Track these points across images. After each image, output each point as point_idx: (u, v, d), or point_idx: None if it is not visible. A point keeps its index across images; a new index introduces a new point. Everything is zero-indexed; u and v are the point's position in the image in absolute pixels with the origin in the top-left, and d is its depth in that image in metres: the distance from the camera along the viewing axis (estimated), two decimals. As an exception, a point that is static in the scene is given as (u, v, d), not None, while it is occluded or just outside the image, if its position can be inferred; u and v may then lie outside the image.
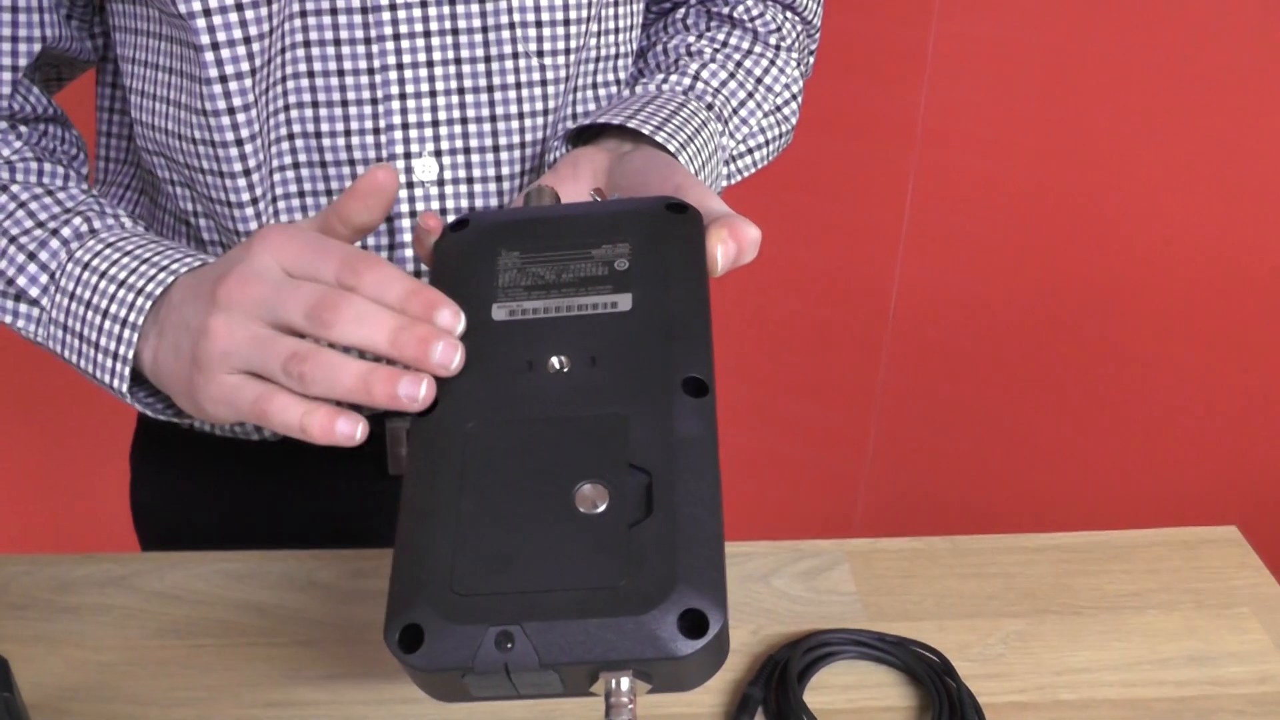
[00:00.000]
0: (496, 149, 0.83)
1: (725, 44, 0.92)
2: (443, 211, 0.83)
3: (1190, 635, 0.81)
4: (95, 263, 0.72)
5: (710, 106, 0.87)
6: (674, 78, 0.87)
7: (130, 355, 0.69)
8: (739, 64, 0.90)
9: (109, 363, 0.70)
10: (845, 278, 1.71)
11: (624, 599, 0.47)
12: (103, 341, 0.70)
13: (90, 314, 0.71)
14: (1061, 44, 1.54)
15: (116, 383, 0.70)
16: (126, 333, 0.69)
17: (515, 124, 0.83)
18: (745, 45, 0.92)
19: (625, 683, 0.48)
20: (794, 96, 0.93)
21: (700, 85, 0.88)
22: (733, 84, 0.89)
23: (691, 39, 0.92)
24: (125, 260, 0.71)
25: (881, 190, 1.66)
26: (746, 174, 0.91)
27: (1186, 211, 1.63)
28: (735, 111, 0.89)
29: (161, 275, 0.69)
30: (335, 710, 0.75)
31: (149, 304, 0.68)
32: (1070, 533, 0.90)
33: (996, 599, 0.84)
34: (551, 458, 0.52)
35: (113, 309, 0.70)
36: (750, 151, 0.90)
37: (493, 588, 0.48)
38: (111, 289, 0.70)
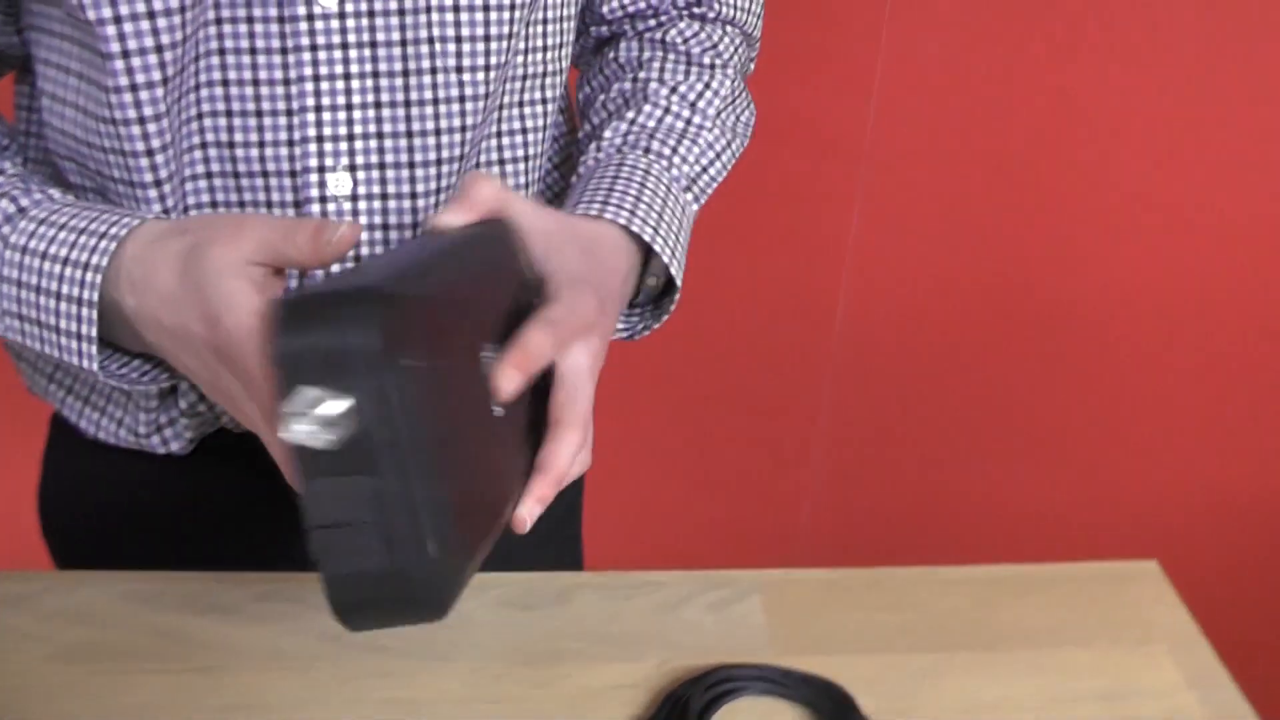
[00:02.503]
0: (412, 165, 0.81)
1: (660, 78, 0.91)
2: (356, 228, 0.82)
3: (1104, 671, 0.81)
4: (32, 244, 0.71)
5: (648, 150, 0.87)
6: (606, 141, 0.88)
7: (94, 333, 0.69)
8: (672, 91, 0.90)
9: (74, 344, 0.70)
10: (789, 290, 1.70)
11: None
12: (62, 324, 0.70)
13: (42, 298, 0.70)
14: (1011, 58, 1.54)
15: (86, 363, 0.70)
16: (85, 311, 0.69)
17: (432, 140, 0.81)
18: (679, 75, 0.92)
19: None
20: (730, 104, 0.92)
21: (633, 135, 0.88)
22: (668, 119, 0.89)
23: (626, 84, 0.92)
24: (63, 235, 0.71)
25: (829, 202, 1.65)
26: (713, 188, 0.91)
27: (1137, 229, 1.63)
28: (679, 142, 0.89)
29: (104, 244, 0.69)
30: (228, 741, 0.73)
31: (99, 277, 0.68)
32: (990, 565, 0.89)
33: (909, 633, 0.83)
34: None
35: (64, 289, 0.69)
36: (706, 169, 0.90)
37: None
38: (57, 269, 0.70)
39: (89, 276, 0.68)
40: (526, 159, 0.88)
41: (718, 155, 0.91)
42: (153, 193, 0.77)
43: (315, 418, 0.49)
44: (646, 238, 0.80)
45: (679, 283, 0.83)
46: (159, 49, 0.72)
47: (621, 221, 0.79)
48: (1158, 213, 1.62)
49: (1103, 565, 0.90)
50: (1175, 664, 0.81)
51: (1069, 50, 1.52)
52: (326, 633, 0.81)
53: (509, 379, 0.62)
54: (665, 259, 0.81)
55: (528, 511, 0.64)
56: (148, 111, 0.74)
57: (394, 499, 0.50)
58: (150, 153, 0.76)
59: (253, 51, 0.76)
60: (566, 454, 0.66)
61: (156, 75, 0.73)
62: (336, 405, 0.49)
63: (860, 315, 1.71)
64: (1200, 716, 0.77)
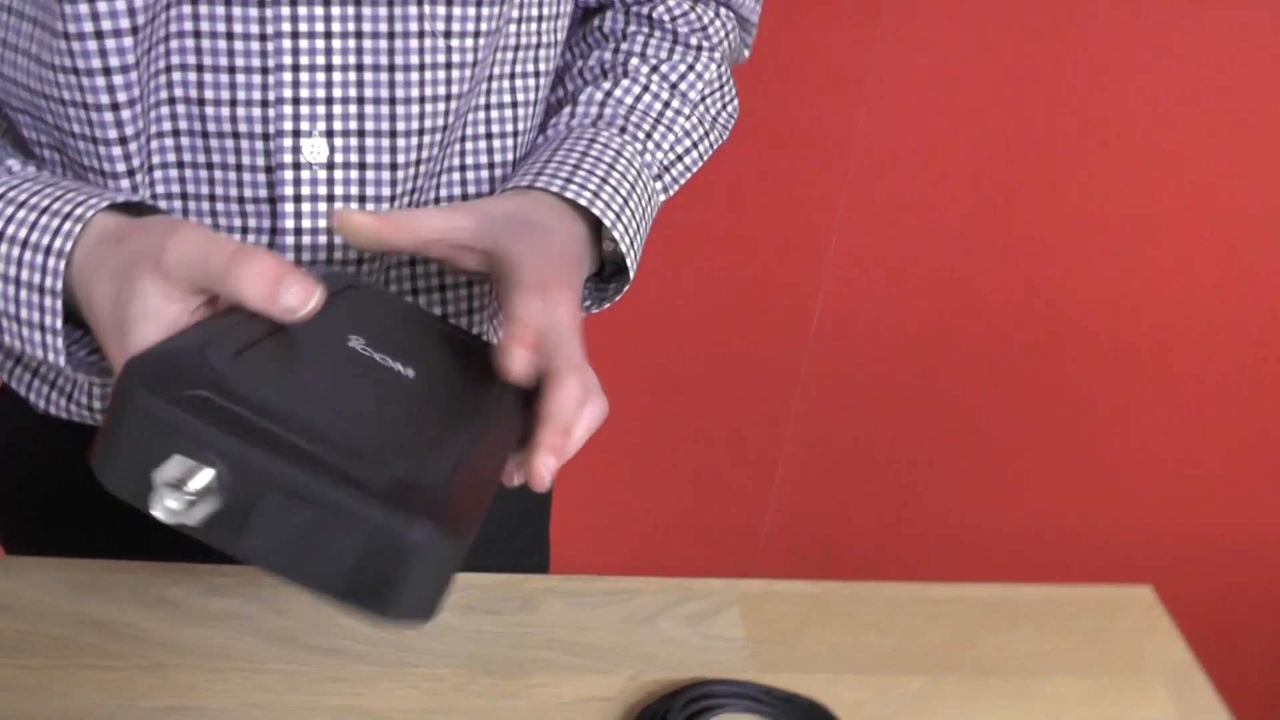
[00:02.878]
0: (393, 134, 0.76)
1: (642, 54, 0.87)
2: (330, 199, 0.77)
3: (1097, 702, 0.77)
4: None
5: (623, 130, 0.82)
6: (581, 109, 0.84)
7: (58, 324, 0.64)
8: (654, 69, 0.86)
9: (36, 335, 0.65)
10: (766, 294, 1.66)
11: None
12: (23, 314, 0.65)
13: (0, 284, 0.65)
14: (1006, 70, 1.50)
15: (51, 356, 0.65)
16: (48, 300, 0.63)
17: (415, 108, 0.76)
18: (663, 54, 0.87)
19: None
20: (714, 91, 0.88)
21: (609, 109, 0.84)
22: (646, 97, 0.85)
23: (607, 54, 0.87)
24: (22, 214, 0.65)
25: (811, 207, 1.61)
26: (684, 180, 0.87)
27: (1133, 234, 1.60)
28: (655, 123, 0.84)
29: (68, 225, 0.64)
30: (169, 746, 0.68)
31: (62, 263, 0.63)
32: (980, 584, 0.85)
33: (896, 654, 0.79)
34: None
35: (24, 275, 0.64)
36: (681, 157, 0.86)
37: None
38: (15, 252, 0.64)
39: (51, 262, 0.63)
40: (515, 134, 0.84)
41: (694, 144, 0.87)
42: (117, 150, 0.72)
43: (186, 495, 0.46)
44: (607, 222, 0.76)
45: (632, 274, 0.79)
46: None
47: (583, 202, 0.75)
48: (1154, 218, 1.59)
49: (1095, 589, 0.86)
50: (1170, 695, 0.78)
51: (1063, 51, 1.49)
52: (278, 633, 0.76)
53: (517, 357, 0.59)
54: (623, 247, 0.77)
55: (541, 463, 0.59)
56: (114, 62, 0.69)
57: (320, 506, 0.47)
58: (116, 106, 0.70)
59: (228, 2, 0.71)
60: (570, 399, 0.61)
61: (125, 23, 0.68)
62: (201, 478, 0.47)
63: (838, 319, 1.67)
64: (1199, 753, 0.74)
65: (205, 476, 0.46)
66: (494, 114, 0.82)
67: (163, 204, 0.77)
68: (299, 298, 0.57)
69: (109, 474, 0.48)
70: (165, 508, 0.46)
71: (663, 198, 0.85)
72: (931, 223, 1.60)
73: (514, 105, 0.83)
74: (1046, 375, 1.69)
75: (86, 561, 0.80)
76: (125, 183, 0.74)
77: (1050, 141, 1.54)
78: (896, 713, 0.74)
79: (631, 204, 0.78)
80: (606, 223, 0.75)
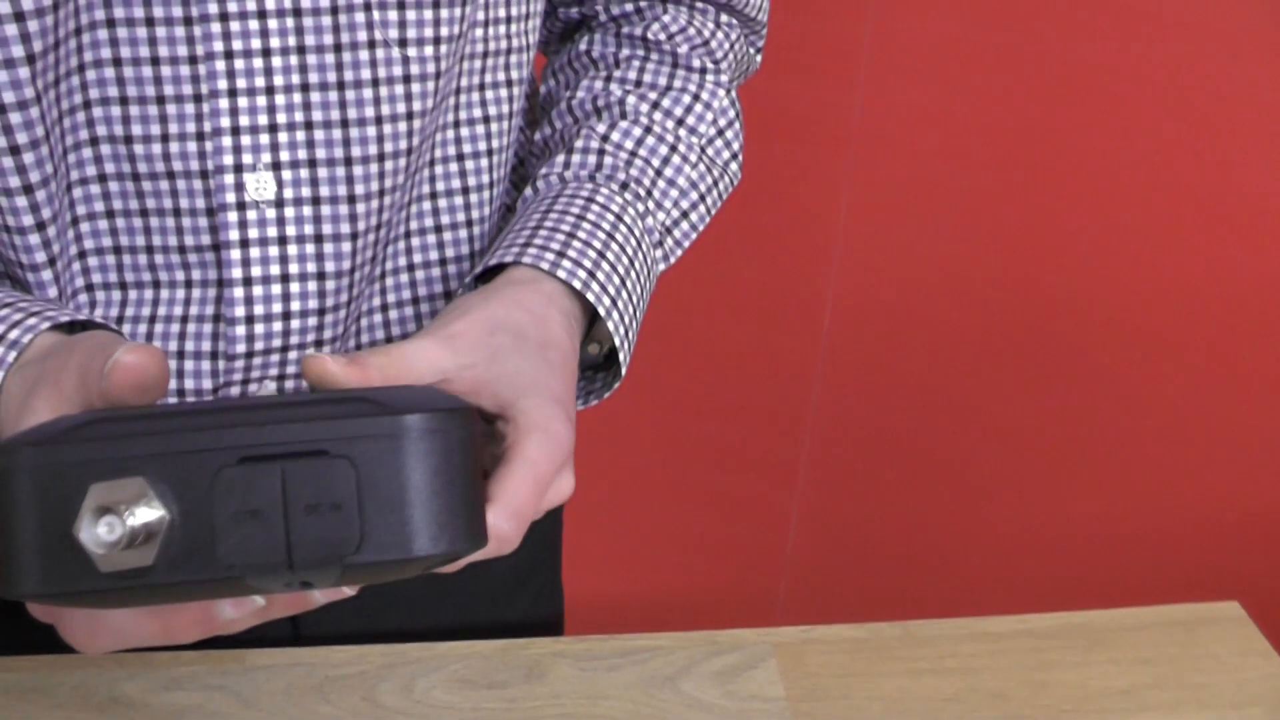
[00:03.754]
0: (349, 162, 0.66)
1: (638, 83, 0.76)
2: (281, 240, 0.67)
3: (1192, 742, 0.67)
4: None
5: (625, 185, 0.72)
6: (577, 158, 0.73)
7: None
8: (655, 105, 0.75)
9: None
10: (772, 293, 1.56)
11: None
12: None
13: None
14: (1006, 42, 1.41)
15: None
16: None
17: (372, 130, 0.66)
18: (662, 80, 0.76)
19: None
20: (728, 126, 0.77)
21: (609, 158, 0.72)
22: (650, 140, 0.74)
23: (598, 85, 0.76)
24: None
25: (813, 197, 1.51)
26: (688, 242, 0.76)
27: (1151, 221, 1.50)
28: (658, 175, 0.73)
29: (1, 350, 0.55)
30: None
31: None
32: (1043, 614, 0.75)
33: (958, 702, 0.69)
34: None
35: None
36: (686, 214, 0.75)
37: None
38: None
39: None
40: (490, 153, 0.73)
41: (700, 198, 0.76)
42: (21, 201, 0.62)
43: (122, 527, 0.38)
44: (601, 311, 0.64)
45: (624, 371, 0.67)
46: (19, 16, 0.57)
47: (577, 285, 0.64)
48: (1171, 206, 1.49)
49: (1175, 610, 0.76)
50: (1276, 728, 0.68)
51: (1063, 37, 1.40)
52: (248, 728, 0.66)
53: (506, 542, 0.50)
54: (617, 340, 0.65)
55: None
56: (9, 98, 0.59)
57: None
58: (16, 150, 0.61)
59: (150, 22, 0.61)
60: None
61: (19, 51, 0.58)
62: (128, 490, 0.38)
63: (850, 317, 1.57)
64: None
65: (133, 486, 0.38)
66: (464, 131, 0.72)
67: (92, 260, 0.67)
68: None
69: (24, 575, 0.39)
70: (107, 559, 0.38)
71: (661, 268, 0.75)
72: (939, 204, 1.51)
73: (486, 120, 0.73)
74: (1085, 359, 1.58)
75: (28, 659, 0.70)
76: (35, 238, 0.64)
77: (1057, 120, 1.45)
78: (966, 774, 0.64)
79: (629, 284, 0.67)
80: (600, 311, 0.64)
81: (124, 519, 0.37)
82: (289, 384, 0.69)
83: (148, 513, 0.38)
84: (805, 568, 1.73)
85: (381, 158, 0.67)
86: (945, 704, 0.69)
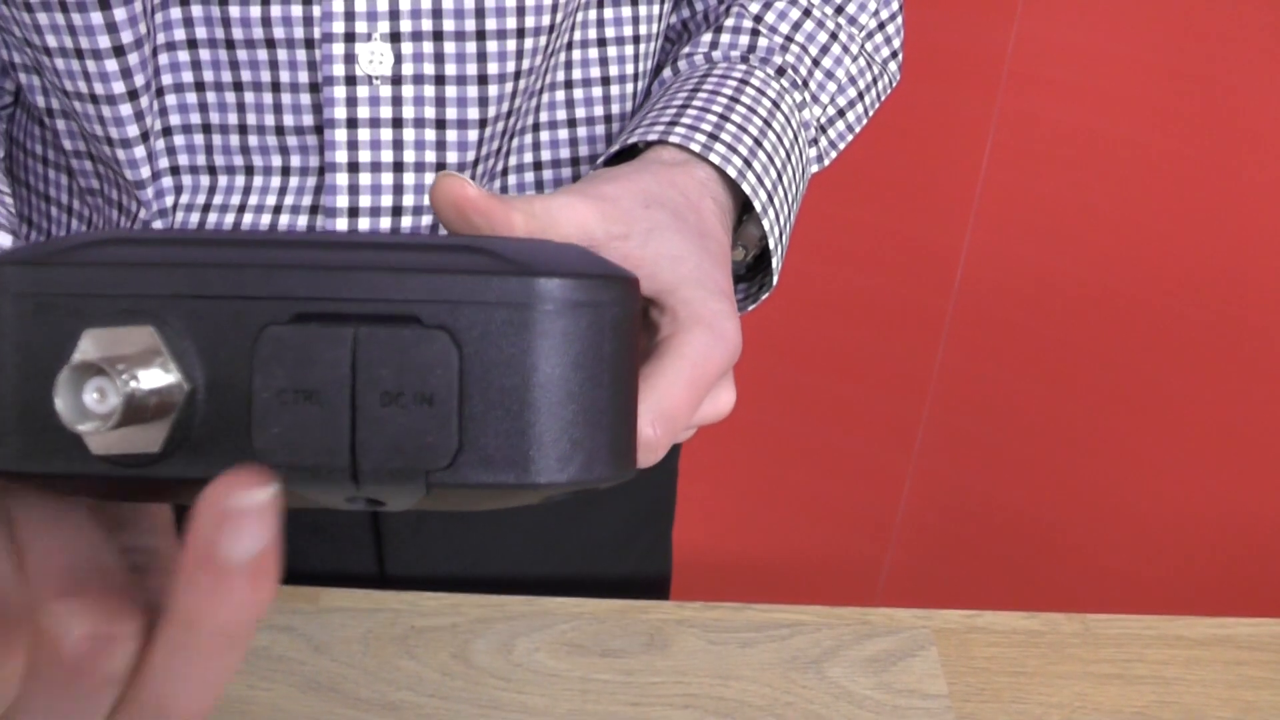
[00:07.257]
0: (481, 36, 0.56)
1: None
2: (397, 123, 0.57)
3: None
4: None
5: (781, 71, 0.61)
6: (727, 37, 0.62)
7: None
8: None
9: None
10: (903, 243, 1.46)
11: None
12: None
13: None
14: (1171, 24, 1.29)
15: None
16: None
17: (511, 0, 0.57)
18: None
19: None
20: (890, 19, 0.67)
21: (763, 39, 0.62)
22: (808, 24, 0.63)
23: None
24: None
25: (956, 143, 1.40)
26: (842, 144, 0.65)
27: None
28: (815, 64, 0.63)
29: None
30: None
31: None
32: (1243, 619, 0.64)
33: (1149, 715, 0.58)
34: None
35: None
36: (843, 112, 0.65)
37: None
38: None
39: None
40: (636, 39, 0.64)
41: (860, 96, 0.65)
42: (111, 65, 0.54)
43: (126, 390, 0.26)
44: (757, 206, 0.53)
45: (775, 280, 0.56)
46: None
47: (731, 173, 0.52)
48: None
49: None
50: None
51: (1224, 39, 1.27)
52: (315, 680, 0.57)
53: (651, 451, 0.39)
54: (771, 241, 0.54)
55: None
56: None
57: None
58: (107, 5, 0.52)
59: None
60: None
61: None
62: (136, 341, 0.27)
63: (983, 275, 1.46)
64: None
65: (140, 337, 0.27)
66: (609, 13, 0.62)
67: (179, 139, 0.58)
68: None
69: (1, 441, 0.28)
70: (99, 438, 0.27)
71: (814, 169, 0.64)
72: (1093, 155, 1.39)
73: (634, 2, 0.63)
74: (1242, 326, 1.46)
75: None
76: (126, 108, 0.55)
77: (1250, 54, 1.33)
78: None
79: (784, 181, 0.56)
80: (757, 206, 0.53)
81: (122, 383, 0.26)
82: None
83: (158, 377, 0.27)
84: (912, 541, 1.63)
85: (521, 34, 0.57)
86: (1134, 716, 0.58)
